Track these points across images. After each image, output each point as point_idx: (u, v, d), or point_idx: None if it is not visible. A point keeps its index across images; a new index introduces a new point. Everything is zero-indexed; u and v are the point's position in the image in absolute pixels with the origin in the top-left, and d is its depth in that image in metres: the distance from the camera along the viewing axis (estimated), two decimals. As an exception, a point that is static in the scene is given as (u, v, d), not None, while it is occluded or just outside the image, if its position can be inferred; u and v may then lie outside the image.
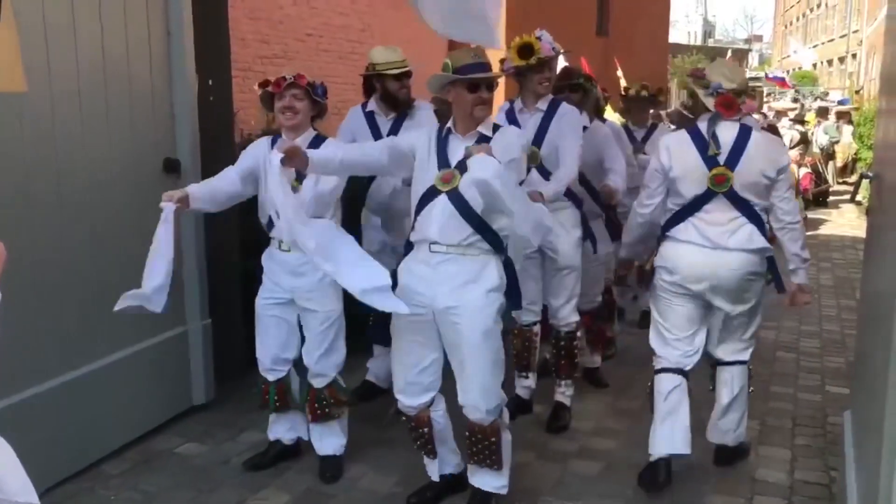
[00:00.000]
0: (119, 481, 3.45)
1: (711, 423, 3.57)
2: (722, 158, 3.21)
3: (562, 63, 4.64)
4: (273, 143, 3.35)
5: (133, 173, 3.72)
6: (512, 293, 3.03)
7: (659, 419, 3.36)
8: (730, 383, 3.47)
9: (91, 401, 3.47)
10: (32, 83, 3.13)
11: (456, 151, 2.97)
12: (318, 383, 3.43)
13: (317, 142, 3.36)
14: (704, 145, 3.22)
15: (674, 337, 3.39)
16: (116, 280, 3.62)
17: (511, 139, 3.00)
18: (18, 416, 3.10)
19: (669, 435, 3.32)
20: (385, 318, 4.33)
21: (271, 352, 3.47)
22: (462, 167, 2.88)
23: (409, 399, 3.09)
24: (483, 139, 2.95)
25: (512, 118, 3.86)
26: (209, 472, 3.54)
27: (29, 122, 3.14)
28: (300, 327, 3.47)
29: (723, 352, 3.48)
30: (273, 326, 3.44)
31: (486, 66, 2.97)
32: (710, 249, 3.24)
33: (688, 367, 3.39)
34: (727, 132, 3.24)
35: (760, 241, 3.26)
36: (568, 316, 4.02)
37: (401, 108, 4.10)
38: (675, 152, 3.30)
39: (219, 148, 4.27)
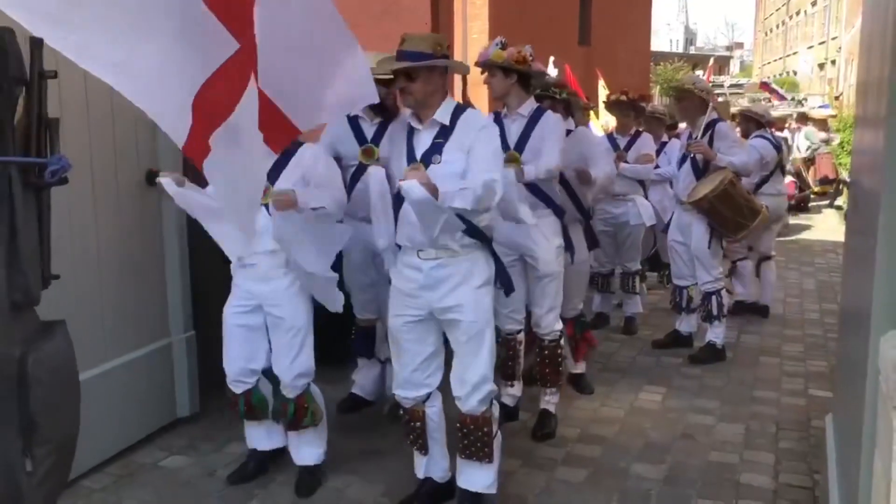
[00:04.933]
0: (102, 496, 3.42)
1: None
2: None
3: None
4: None
5: (116, 185, 3.71)
6: (502, 279, 3.11)
7: None
8: None
9: (73, 415, 3.44)
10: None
11: (420, 143, 3.02)
12: (288, 393, 3.38)
13: None
14: None
15: None
16: (97, 292, 3.62)
17: (472, 128, 2.97)
18: (-1, 431, 3.07)
19: None
20: (367, 332, 4.32)
21: (237, 364, 3.41)
22: (427, 160, 2.93)
23: (405, 391, 3.16)
24: (443, 130, 2.97)
25: (498, 122, 3.91)
26: (194, 485, 3.52)
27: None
28: (269, 337, 3.41)
29: None
30: (239, 337, 3.39)
31: (400, 55, 2.95)
32: None
33: None
34: None
35: None
36: (551, 324, 4.05)
37: (387, 115, 4.07)
38: None
39: (201, 159, 4.25)
